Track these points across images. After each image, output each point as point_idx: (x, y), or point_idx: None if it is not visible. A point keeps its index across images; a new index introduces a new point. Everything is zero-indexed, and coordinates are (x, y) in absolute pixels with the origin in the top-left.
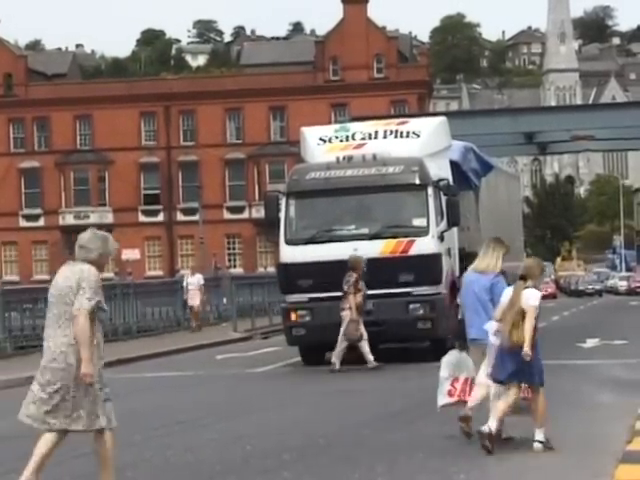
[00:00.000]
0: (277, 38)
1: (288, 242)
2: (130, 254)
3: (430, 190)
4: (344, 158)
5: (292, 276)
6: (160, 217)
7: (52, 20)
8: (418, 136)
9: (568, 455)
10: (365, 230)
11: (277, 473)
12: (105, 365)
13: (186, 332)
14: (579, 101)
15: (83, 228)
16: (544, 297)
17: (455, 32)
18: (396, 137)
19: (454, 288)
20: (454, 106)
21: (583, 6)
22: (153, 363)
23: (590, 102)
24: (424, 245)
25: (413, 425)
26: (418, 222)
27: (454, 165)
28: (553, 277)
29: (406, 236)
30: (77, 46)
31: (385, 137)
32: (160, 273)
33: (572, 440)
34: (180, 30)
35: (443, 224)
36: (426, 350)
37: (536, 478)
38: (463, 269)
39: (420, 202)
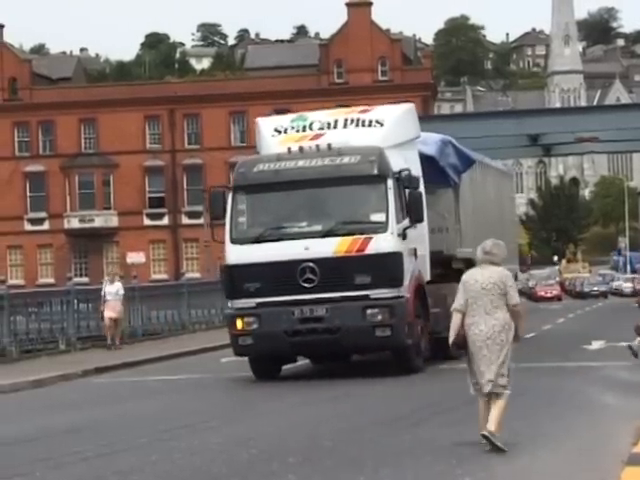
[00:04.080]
0: (281, 41)
1: (233, 241)
2: (135, 257)
3: (390, 182)
4: (299, 148)
5: (237, 279)
6: (165, 220)
7: (56, 24)
8: (382, 125)
9: (574, 457)
10: (318, 227)
11: (283, 476)
12: (112, 369)
13: (192, 334)
14: (584, 103)
15: (88, 232)
16: (549, 299)
17: (459, 34)
18: (357, 126)
19: (420, 292)
20: (458, 108)
21: (587, 8)
22: (160, 366)
23: (595, 104)
24: (382, 243)
25: (418, 428)
26: (376, 217)
27: (430, 160)
28: (558, 279)
29: (362, 233)
30: (82, 50)
31: (345, 126)
32: (165, 277)
33: (578, 442)
34: (184, 34)
35: (406, 221)
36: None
37: None
38: (446, 274)
39: (378, 195)
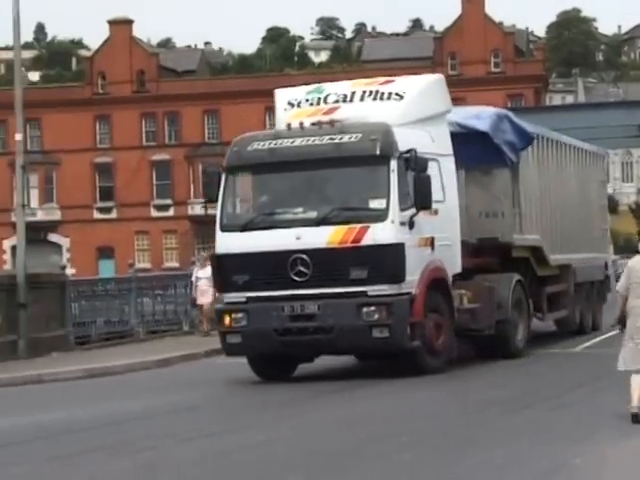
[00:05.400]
0: (397, 34)
1: (223, 228)
2: None
3: (394, 164)
4: (299, 124)
5: (227, 270)
6: None
7: (182, 19)
8: (401, 98)
9: None
10: (312, 214)
11: (398, 455)
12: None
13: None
14: None
15: (210, 218)
16: None
17: (571, 27)
18: (375, 99)
19: (438, 287)
20: (569, 99)
21: None
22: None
23: None
24: (380, 233)
25: (530, 410)
26: (375, 204)
27: (483, 136)
28: None
29: (359, 221)
30: (206, 44)
31: (362, 100)
32: None
33: None
34: (304, 27)
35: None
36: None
37: None
38: (502, 264)
39: (379, 179)
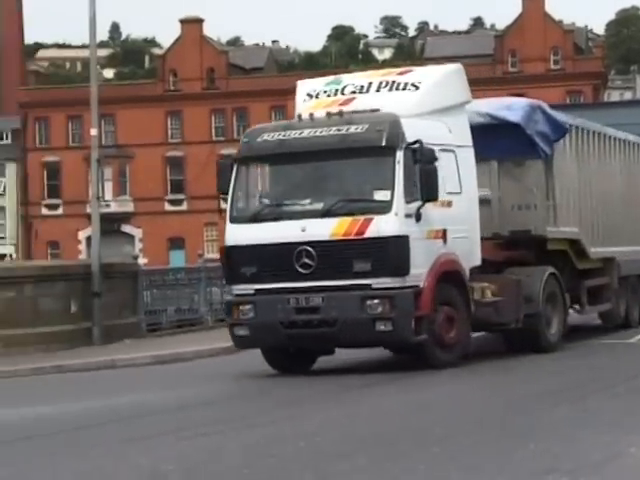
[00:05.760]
0: (459, 32)
1: (233, 220)
2: None
3: (400, 155)
4: (309, 115)
5: (235, 262)
6: None
7: (251, 18)
8: (417, 88)
9: None
10: (318, 206)
11: (455, 440)
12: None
13: None
14: None
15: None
16: None
17: (630, 25)
18: (390, 90)
19: (452, 280)
20: (628, 96)
21: None
22: None
23: None
24: (383, 225)
25: (585, 400)
26: (380, 195)
27: (515, 128)
28: None
29: (363, 213)
30: (273, 42)
31: (378, 90)
32: None
33: None
34: (368, 26)
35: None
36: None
37: None
38: (536, 257)
39: (385, 170)
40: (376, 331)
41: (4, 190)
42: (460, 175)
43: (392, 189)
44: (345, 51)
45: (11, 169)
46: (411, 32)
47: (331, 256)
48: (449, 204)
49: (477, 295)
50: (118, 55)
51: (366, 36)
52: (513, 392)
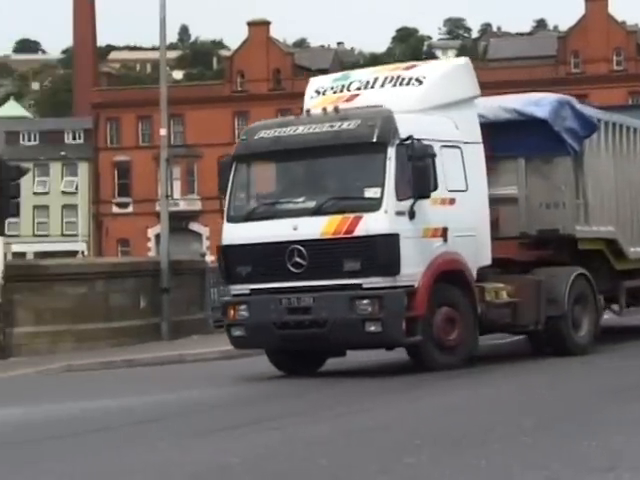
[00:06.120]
0: (521, 34)
1: (230, 219)
2: None
3: (391, 151)
4: (306, 112)
5: (231, 262)
6: None
7: (316, 20)
8: (420, 83)
9: None
10: (310, 204)
11: (518, 439)
12: None
13: None
14: None
15: None
16: None
17: None
18: (394, 85)
19: (454, 280)
20: None
21: None
22: None
23: None
24: (373, 223)
25: None
26: (370, 193)
27: (542, 124)
28: None
29: (353, 211)
30: (338, 43)
31: (383, 86)
32: None
33: None
34: (432, 27)
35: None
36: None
37: None
38: (569, 256)
39: (376, 166)
40: (366, 332)
41: (76, 189)
42: (466, 172)
43: (382, 186)
44: (409, 52)
45: (83, 168)
46: (474, 34)
47: (322, 255)
48: (451, 202)
49: (489, 296)
50: (187, 57)
51: (430, 37)
52: (569, 390)
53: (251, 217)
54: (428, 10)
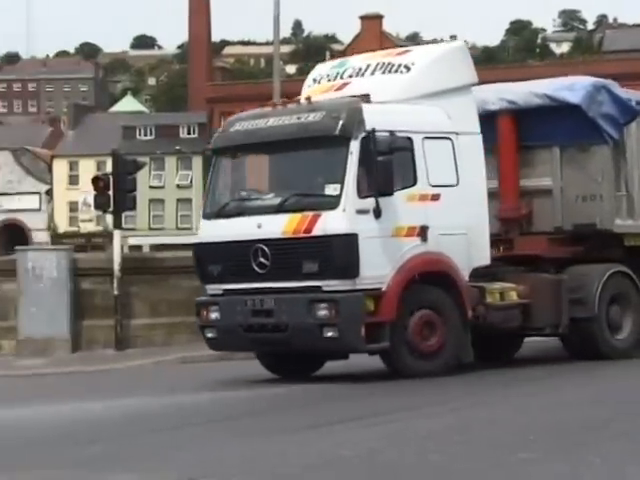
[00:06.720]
0: (638, 25)
1: (205, 215)
2: None
3: (354, 146)
4: (282, 103)
5: (203, 260)
6: None
7: (429, 14)
8: (408, 70)
9: None
10: (275, 201)
11: (632, 436)
12: None
13: None
14: None
15: None
16: None
17: None
18: (384, 72)
19: (429, 282)
20: None
21: None
22: None
23: None
24: (330, 222)
25: None
26: (330, 190)
27: (575, 110)
28: None
29: (313, 209)
30: (451, 37)
31: (373, 73)
32: None
33: None
34: (546, 20)
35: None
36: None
37: None
38: (609, 253)
39: (336, 161)
40: (324, 338)
41: (191, 182)
42: (457, 165)
43: (342, 182)
44: (523, 45)
45: (197, 162)
46: (590, 25)
47: (283, 255)
48: (435, 198)
49: (491, 298)
50: (300, 51)
51: (544, 30)
52: (629, 395)
53: (222, 213)
54: (543, 2)
